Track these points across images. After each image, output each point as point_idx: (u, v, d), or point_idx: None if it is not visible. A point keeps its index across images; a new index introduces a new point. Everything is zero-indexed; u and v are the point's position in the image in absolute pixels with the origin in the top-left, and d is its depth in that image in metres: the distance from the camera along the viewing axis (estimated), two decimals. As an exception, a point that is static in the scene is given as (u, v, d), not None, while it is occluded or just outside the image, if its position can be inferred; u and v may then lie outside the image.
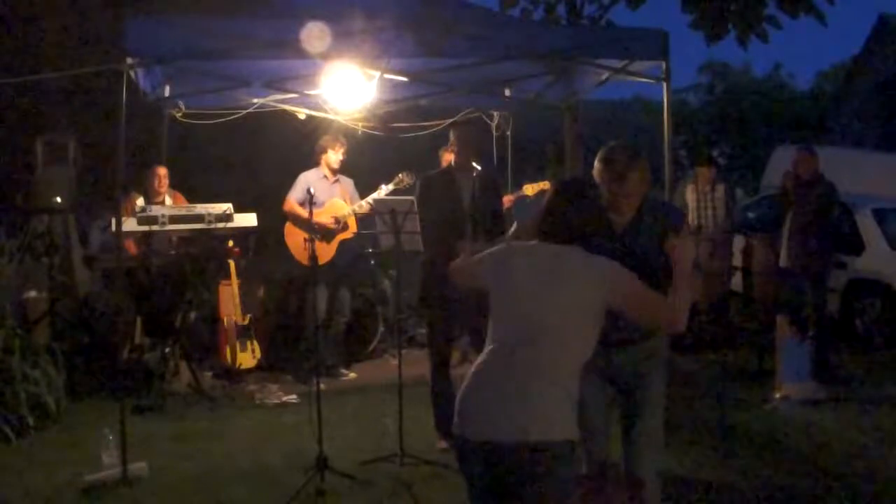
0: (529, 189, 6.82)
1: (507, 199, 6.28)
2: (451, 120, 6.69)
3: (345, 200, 6.54)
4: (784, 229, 6.74)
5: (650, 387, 3.18)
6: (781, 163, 10.06)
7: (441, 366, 4.84)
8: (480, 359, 2.56)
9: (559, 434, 2.40)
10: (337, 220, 6.47)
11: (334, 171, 6.56)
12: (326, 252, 6.44)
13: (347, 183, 6.66)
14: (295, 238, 6.45)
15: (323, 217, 6.35)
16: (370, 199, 6.31)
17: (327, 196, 6.45)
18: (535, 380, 2.42)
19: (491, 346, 2.56)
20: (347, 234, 6.57)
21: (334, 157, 6.51)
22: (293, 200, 6.48)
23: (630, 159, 2.94)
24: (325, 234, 6.41)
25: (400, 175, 6.32)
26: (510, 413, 2.39)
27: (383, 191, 6.27)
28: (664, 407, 3.23)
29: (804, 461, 4.62)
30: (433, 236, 4.65)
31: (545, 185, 6.92)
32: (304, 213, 6.26)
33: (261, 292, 7.13)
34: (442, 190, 4.79)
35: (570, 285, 2.50)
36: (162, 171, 6.60)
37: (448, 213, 4.71)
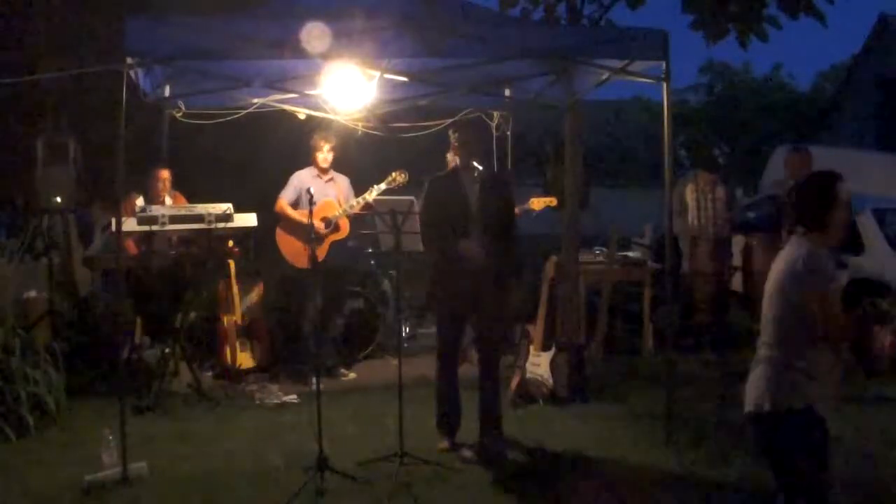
0: (536, 204, 6.80)
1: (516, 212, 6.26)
2: (451, 120, 6.69)
3: (340, 199, 6.48)
4: (784, 231, 6.73)
5: None
6: (781, 163, 10.05)
7: (447, 365, 4.83)
8: None
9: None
10: (327, 223, 6.40)
11: (326, 170, 6.50)
12: (318, 254, 6.32)
13: (343, 181, 6.59)
14: (286, 240, 6.39)
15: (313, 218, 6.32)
16: (361, 198, 6.30)
17: (321, 196, 6.36)
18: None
19: None
20: (339, 236, 6.52)
21: (321, 155, 6.45)
22: (284, 201, 6.41)
23: None
24: (315, 236, 6.33)
25: (393, 174, 6.30)
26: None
27: (375, 191, 6.25)
28: None
29: (804, 461, 4.60)
30: (441, 237, 4.68)
31: (552, 201, 6.90)
32: (294, 214, 6.32)
33: (260, 292, 7.13)
34: (448, 191, 4.81)
35: None
36: (164, 173, 6.58)
37: (454, 214, 4.72)
